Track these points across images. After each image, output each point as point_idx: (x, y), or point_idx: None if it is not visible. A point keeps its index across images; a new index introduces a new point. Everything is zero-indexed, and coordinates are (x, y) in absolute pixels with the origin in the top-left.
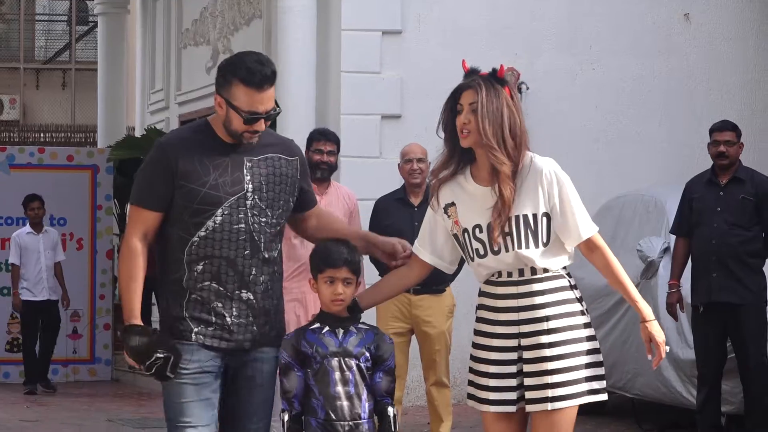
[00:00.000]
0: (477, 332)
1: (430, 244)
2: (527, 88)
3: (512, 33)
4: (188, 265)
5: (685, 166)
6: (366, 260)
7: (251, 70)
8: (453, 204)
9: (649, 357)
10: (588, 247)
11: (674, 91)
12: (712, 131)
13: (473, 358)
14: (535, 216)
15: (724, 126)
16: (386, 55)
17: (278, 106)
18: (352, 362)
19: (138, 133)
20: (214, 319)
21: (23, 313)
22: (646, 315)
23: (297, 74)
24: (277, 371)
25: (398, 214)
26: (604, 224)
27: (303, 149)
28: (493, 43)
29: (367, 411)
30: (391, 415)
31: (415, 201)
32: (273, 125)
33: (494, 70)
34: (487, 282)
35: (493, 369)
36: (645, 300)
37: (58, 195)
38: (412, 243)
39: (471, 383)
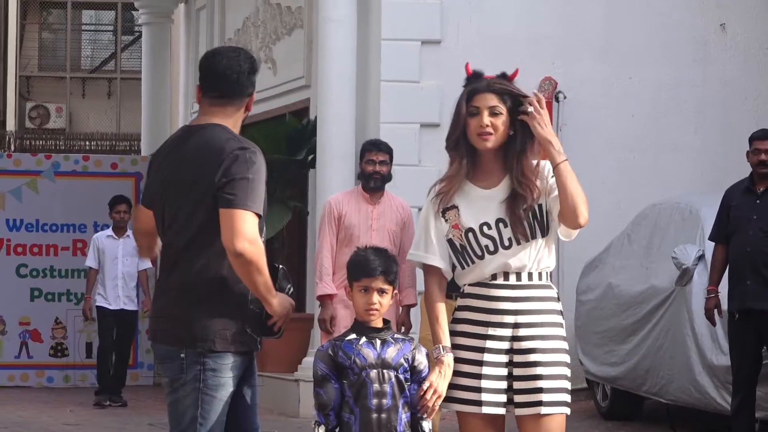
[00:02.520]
0: (461, 333)
1: (438, 249)
2: (564, 97)
3: (550, 42)
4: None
5: (721, 174)
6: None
7: None
8: (454, 207)
9: (530, 108)
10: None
11: (710, 100)
12: (752, 139)
13: (457, 359)
14: (540, 206)
15: (765, 134)
16: (425, 64)
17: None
18: (391, 374)
19: None
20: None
21: (99, 320)
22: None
23: (338, 83)
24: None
25: None
26: (639, 231)
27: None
28: (531, 53)
29: (403, 423)
30: (427, 429)
31: None
32: (313, 133)
33: (504, 74)
34: (479, 284)
35: (485, 370)
36: (678, 307)
37: (102, 202)
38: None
39: (452, 385)
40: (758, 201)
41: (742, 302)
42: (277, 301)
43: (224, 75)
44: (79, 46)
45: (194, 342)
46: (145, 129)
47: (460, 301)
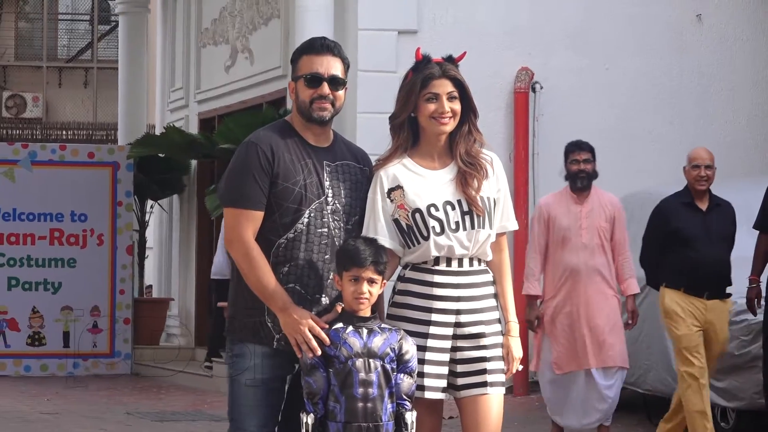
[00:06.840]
0: (403, 318)
1: (388, 231)
2: (541, 87)
3: (526, 33)
4: (274, 267)
5: None
6: None
7: (312, 41)
8: (398, 187)
9: (503, 366)
10: (501, 242)
11: (686, 90)
12: None
13: None
14: (489, 199)
15: None
16: (402, 54)
17: (346, 80)
18: (377, 363)
19: (158, 131)
20: None
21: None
22: (513, 332)
23: None
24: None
25: (687, 217)
26: None
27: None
28: (507, 43)
29: (388, 413)
30: (410, 421)
31: (703, 206)
32: None
33: (451, 57)
34: (421, 270)
35: (428, 356)
36: (655, 298)
37: (78, 191)
38: (702, 246)
39: None
40: None
41: None
42: (284, 318)
43: None
44: (56, 35)
45: (227, 329)
46: (121, 118)
47: (401, 285)
